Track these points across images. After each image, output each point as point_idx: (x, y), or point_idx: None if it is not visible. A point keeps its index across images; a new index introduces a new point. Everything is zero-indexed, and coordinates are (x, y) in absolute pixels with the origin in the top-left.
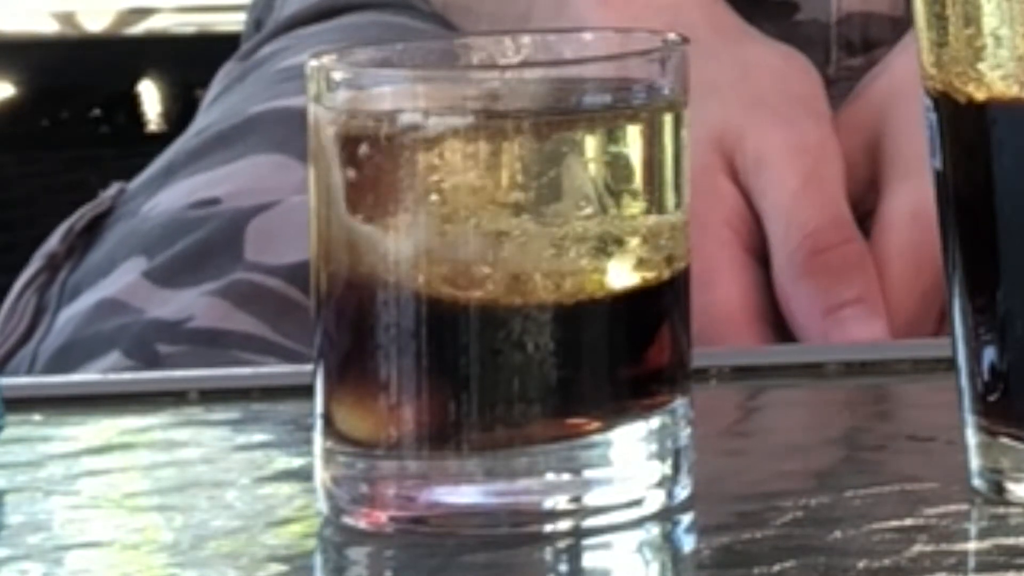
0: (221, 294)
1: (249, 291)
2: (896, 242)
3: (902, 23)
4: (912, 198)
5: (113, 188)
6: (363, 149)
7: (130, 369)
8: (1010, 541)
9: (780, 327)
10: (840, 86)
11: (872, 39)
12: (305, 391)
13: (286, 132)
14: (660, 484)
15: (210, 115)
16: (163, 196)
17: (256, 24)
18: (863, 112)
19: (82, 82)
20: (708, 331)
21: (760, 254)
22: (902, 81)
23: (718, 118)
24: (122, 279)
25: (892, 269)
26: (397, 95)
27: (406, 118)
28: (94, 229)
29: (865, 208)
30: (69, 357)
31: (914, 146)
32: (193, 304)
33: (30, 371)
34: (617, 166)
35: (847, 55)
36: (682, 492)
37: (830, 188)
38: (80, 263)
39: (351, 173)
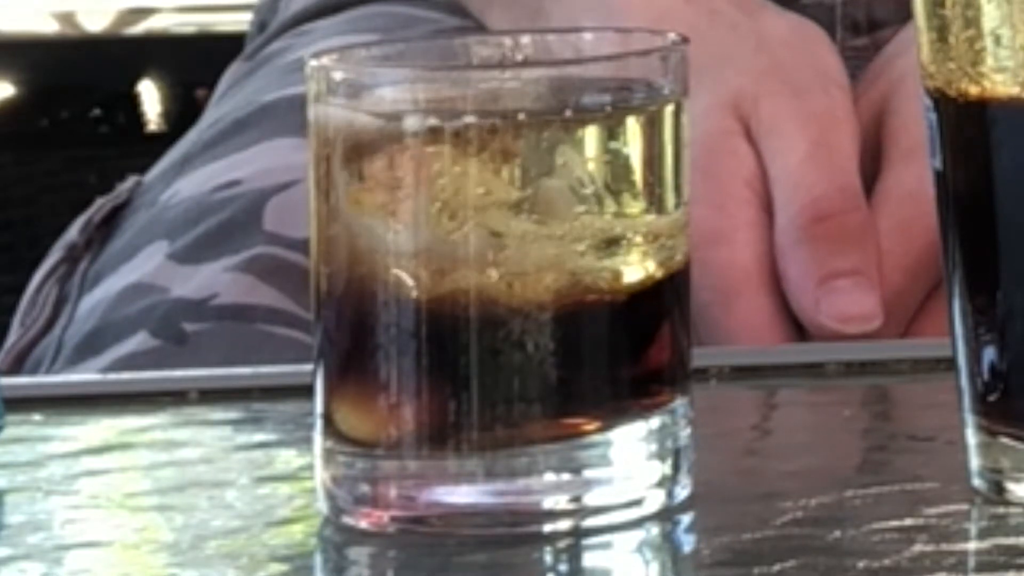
0: (244, 269)
1: (271, 265)
2: (888, 218)
3: (906, 4)
4: (911, 177)
5: (129, 181)
6: (363, 149)
7: (157, 349)
8: (1010, 541)
9: None
10: (846, 66)
11: (877, 19)
12: (305, 391)
13: (301, 117)
14: (660, 484)
15: (221, 108)
16: (182, 184)
17: (261, 26)
18: (876, 89)
19: (82, 82)
20: (724, 288)
21: None
22: (914, 63)
23: (734, 85)
24: (146, 263)
25: (880, 244)
26: (397, 95)
27: (406, 118)
28: (112, 221)
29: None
30: (96, 342)
31: (919, 127)
32: (217, 280)
33: (55, 359)
34: (617, 166)
35: (852, 35)
36: (682, 492)
37: (840, 157)
38: (100, 253)
39: (351, 173)
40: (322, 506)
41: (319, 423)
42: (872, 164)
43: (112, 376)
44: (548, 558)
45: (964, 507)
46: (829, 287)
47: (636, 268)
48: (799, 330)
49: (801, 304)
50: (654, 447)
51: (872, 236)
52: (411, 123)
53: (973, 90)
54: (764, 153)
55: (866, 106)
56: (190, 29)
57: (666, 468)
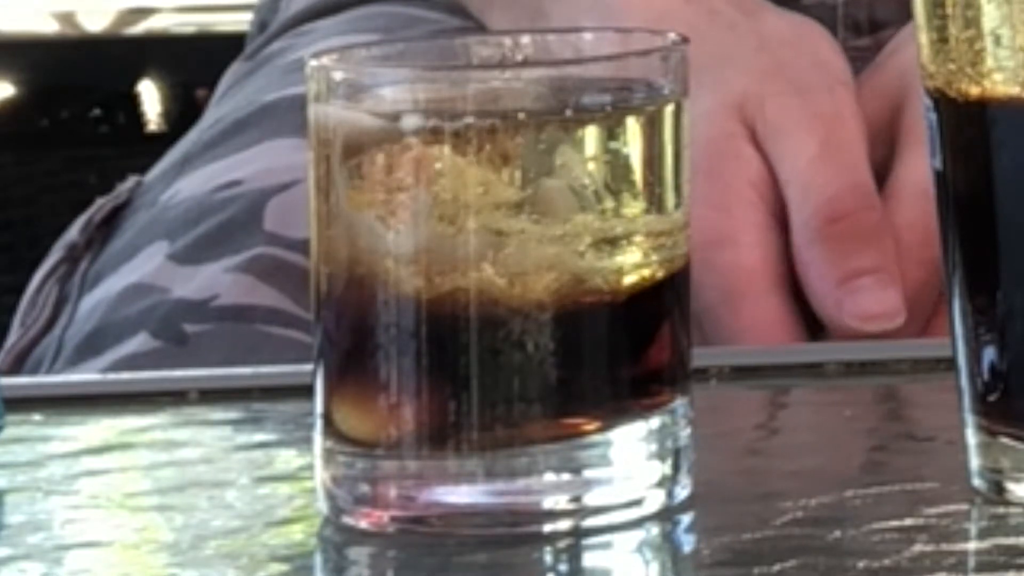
0: (244, 269)
1: (271, 265)
2: (905, 213)
3: (908, 4)
4: (925, 170)
5: (129, 181)
6: (363, 149)
7: (158, 349)
8: (1010, 541)
9: (800, 293)
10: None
11: (879, 20)
12: (305, 391)
13: (301, 117)
14: (660, 484)
15: (221, 108)
16: (182, 184)
17: (261, 26)
18: (888, 80)
19: (82, 82)
20: (729, 291)
21: (785, 221)
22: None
23: (737, 86)
24: (147, 264)
25: (899, 239)
26: (397, 95)
27: (406, 118)
28: (112, 221)
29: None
30: (97, 343)
31: None
32: (217, 281)
33: (55, 359)
34: (617, 166)
35: (854, 36)
36: (682, 492)
37: (849, 155)
38: (100, 253)
39: (351, 173)
40: (322, 506)
41: (319, 423)
42: (885, 157)
43: (112, 376)
44: (548, 558)
45: (964, 507)
46: (850, 287)
47: (636, 268)
48: (806, 331)
49: (823, 305)
50: (654, 447)
51: (888, 233)
52: (411, 123)
53: (973, 90)
54: (772, 155)
55: (877, 98)
56: (190, 29)
57: (666, 468)
